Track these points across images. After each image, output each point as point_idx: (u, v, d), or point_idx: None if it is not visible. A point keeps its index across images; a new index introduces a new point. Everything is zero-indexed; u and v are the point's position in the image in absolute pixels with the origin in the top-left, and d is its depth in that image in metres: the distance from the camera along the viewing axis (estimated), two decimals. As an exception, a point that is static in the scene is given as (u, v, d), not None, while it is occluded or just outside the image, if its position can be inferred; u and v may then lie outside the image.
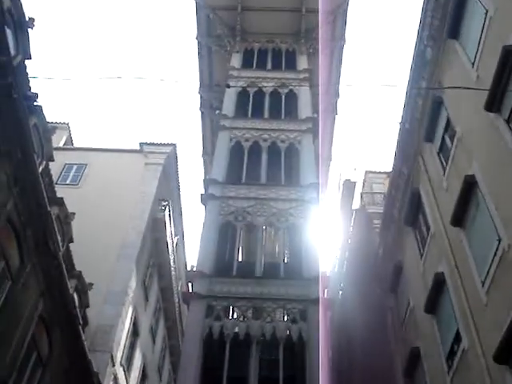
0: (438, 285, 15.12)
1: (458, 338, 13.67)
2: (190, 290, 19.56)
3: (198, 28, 34.89)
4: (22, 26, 12.73)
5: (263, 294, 18.98)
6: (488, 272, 11.81)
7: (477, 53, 13.11)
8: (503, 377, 10.90)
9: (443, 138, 15.67)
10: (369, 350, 21.71)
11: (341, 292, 27.27)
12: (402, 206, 18.89)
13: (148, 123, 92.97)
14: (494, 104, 11.74)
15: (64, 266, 14.65)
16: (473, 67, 13.32)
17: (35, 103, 13.39)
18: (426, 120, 16.77)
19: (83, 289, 17.65)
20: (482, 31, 12.81)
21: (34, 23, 13.20)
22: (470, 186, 13.12)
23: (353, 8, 64.45)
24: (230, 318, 19.57)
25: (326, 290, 20.61)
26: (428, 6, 15.69)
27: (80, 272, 16.94)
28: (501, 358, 10.87)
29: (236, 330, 18.75)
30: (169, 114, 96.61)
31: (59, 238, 14.68)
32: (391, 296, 20.37)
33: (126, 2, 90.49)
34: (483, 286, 12.07)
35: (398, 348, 19.14)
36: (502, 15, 12.05)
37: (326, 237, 20.73)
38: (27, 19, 12.95)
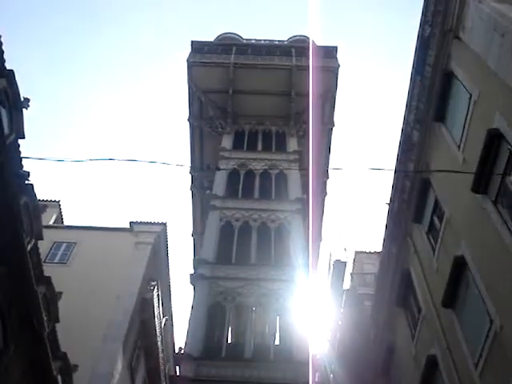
0: (431, 367, 14.84)
1: None
2: (178, 373, 19.11)
3: (189, 110, 35.74)
4: (16, 105, 12.97)
5: (252, 378, 18.56)
6: (481, 354, 11.63)
7: (462, 135, 13.45)
8: None
9: (432, 219, 15.80)
10: None
11: (332, 375, 26.65)
12: (393, 286, 18.79)
13: (139, 203, 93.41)
14: (480, 186, 11.93)
15: (49, 346, 14.28)
16: (459, 150, 13.62)
17: (26, 182, 13.47)
18: (414, 201, 16.96)
19: (68, 371, 17.13)
20: (467, 115, 13.20)
21: (29, 103, 13.48)
22: (459, 267, 13.13)
23: (341, 92, 66.38)
24: None
25: (316, 374, 20.18)
26: (414, 90, 16.21)
27: (65, 353, 16.49)
28: None
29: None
30: (160, 194, 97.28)
31: (45, 317, 14.38)
32: (384, 379, 19.91)
33: (119, 85, 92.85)
34: (476, 368, 11.86)
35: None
36: (485, 99, 12.46)
37: (316, 318, 20.46)
38: (22, 99, 13.21)
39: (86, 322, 21.66)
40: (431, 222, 15.86)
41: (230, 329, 23.31)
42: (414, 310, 17.10)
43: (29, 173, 13.50)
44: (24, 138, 13.35)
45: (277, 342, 23.13)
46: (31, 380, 13.87)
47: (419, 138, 16.49)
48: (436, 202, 15.50)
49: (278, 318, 21.62)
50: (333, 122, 36.06)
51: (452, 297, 13.58)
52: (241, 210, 25.86)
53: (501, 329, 10.84)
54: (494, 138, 11.39)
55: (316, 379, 19.54)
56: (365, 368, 21.27)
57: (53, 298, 15.88)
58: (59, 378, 15.84)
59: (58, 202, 31.39)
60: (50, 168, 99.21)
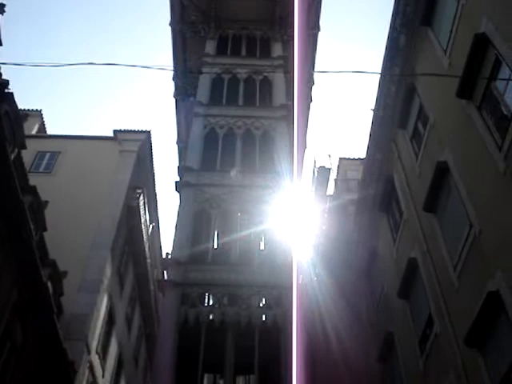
0: (411, 270, 15.33)
1: (430, 323, 13.90)
2: (166, 278, 19.56)
3: (171, 14, 34.56)
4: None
5: (238, 281, 19.05)
6: (460, 257, 12.00)
7: (449, 40, 13.24)
8: (475, 360, 11.12)
9: (416, 125, 15.82)
10: (344, 335, 21.94)
11: (316, 278, 27.46)
12: (376, 192, 19.05)
13: (122, 111, 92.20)
14: (465, 91, 11.87)
15: (37, 254, 14.52)
16: (445, 54, 13.44)
17: (6, 90, 13.20)
18: (398, 107, 16.90)
19: (57, 277, 17.54)
20: (455, 19, 12.93)
21: (5, 9, 12.98)
22: (442, 172, 13.29)
23: (327, -5, 64.39)
24: (206, 304, 19.62)
25: (301, 277, 20.77)
26: (401, -7, 15.78)
27: (54, 260, 16.82)
28: (472, 342, 11.10)
29: (211, 317, 18.82)
30: (143, 102, 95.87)
31: (32, 226, 14.53)
32: (365, 281, 20.60)
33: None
34: (455, 270, 12.27)
35: (373, 333, 19.40)
36: (474, 3, 12.17)
37: (300, 224, 20.82)
38: (-4, 5, 12.72)
39: (74, 230, 21.95)
40: (415, 128, 15.89)
41: (215, 235, 23.65)
42: (396, 214, 17.46)
43: (8, 81, 13.22)
44: (1, 44, 12.96)
45: (262, 247, 23.64)
46: (22, 289, 14.18)
47: (405, 42, 16.20)
48: (421, 108, 15.46)
49: (262, 223, 21.95)
50: (319, 27, 35.16)
51: (433, 201, 13.83)
52: (225, 117, 25.61)
53: (480, 233, 11.13)
54: (481, 43, 11.22)
55: (300, 281, 20.13)
56: (348, 271, 21.92)
57: (39, 206, 15.99)
58: (49, 284, 16.21)
59: (40, 111, 30.92)
60: (30, 77, 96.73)
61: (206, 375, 20.12)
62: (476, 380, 11.10)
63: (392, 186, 17.64)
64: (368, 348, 19.62)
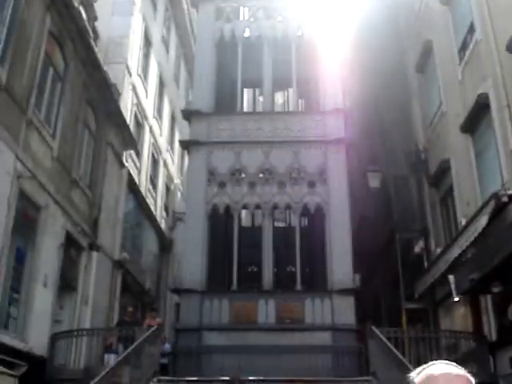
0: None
1: (471, 30, 13.49)
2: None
3: None
4: None
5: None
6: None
7: None
8: (513, 65, 11.01)
9: None
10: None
11: None
12: None
13: None
14: None
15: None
16: None
17: None
18: None
19: (88, 1, 17.19)
20: None
21: None
22: None
23: None
24: (241, 19, 19.27)
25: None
26: None
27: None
28: (513, 47, 10.86)
29: (247, 31, 18.65)
30: None
31: None
32: None
33: None
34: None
35: (411, 43, 19.07)
36: None
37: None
38: None
39: None
40: None
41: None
42: None
43: None
44: None
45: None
46: (55, 15, 13.96)
47: None
48: None
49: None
50: None
51: None
52: None
53: None
54: None
55: None
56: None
57: None
58: (81, 8, 15.97)
59: None
60: None
61: (245, 90, 20.69)
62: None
63: None
64: (405, 58, 19.49)
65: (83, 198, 16.09)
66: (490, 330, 12.88)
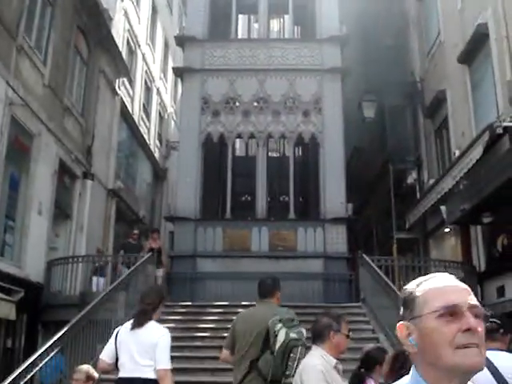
0: None
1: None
2: None
3: None
4: None
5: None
6: None
7: None
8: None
9: None
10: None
11: None
12: None
13: None
14: None
15: None
16: None
17: None
18: None
19: None
20: None
21: None
22: None
23: None
24: None
25: None
26: None
27: None
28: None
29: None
30: None
31: None
32: None
33: None
34: None
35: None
36: None
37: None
38: None
39: None
40: None
41: None
42: None
43: None
44: None
45: None
46: None
47: None
48: None
49: None
50: None
51: None
52: None
53: None
54: None
55: None
56: None
57: None
58: None
59: None
60: None
61: (240, 16, 20.20)
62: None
63: None
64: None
65: (76, 126, 15.97)
66: (479, 260, 13.14)
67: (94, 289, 13.41)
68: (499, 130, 10.68)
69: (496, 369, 3.59)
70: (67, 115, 15.25)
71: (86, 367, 5.92)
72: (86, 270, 13.92)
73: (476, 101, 13.18)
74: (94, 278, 13.87)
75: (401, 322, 1.47)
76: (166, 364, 4.71)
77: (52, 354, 7.57)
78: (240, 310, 9.92)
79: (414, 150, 17.71)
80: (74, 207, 15.71)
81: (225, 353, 5.22)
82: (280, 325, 4.56)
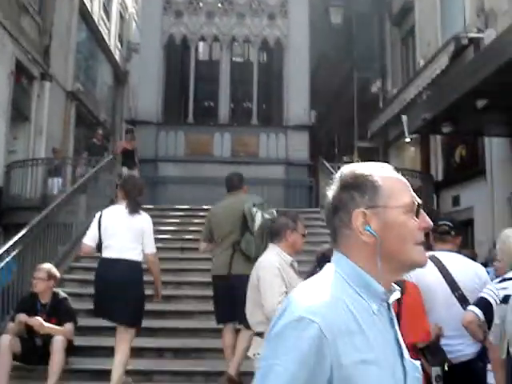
0: None
1: None
2: None
3: None
4: None
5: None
6: None
7: None
8: None
9: None
10: None
11: None
12: None
13: None
14: None
15: None
16: None
17: None
18: None
19: None
20: None
21: None
22: None
23: None
24: None
25: None
26: None
27: None
28: None
29: None
30: None
31: None
32: None
33: None
34: None
35: None
36: None
37: None
38: None
39: None
40: None
41: None
42: None
43: None
44: None
45: None
46: None
47: None
48: None
49: None
50: None
51: None
52: None
53: None
54: None
55: None
56: None
57: None
58: None
59: None
60: None
61: None
62: None
63: None
64: None
65: (33, 25, 15.26)
66: (437, 170, 13.43)
67: (52, 191, 13.29)
68: (465, 41, 10.65)
69: (448, 272, 3.77)
70: (23, 13, 14.53)
71: (47, 266, 5.99)
72: (46, 172, 13.78)
73: (444, 10, 13.03)
74: (50, 180, 13.72)
75: (359, 209, 1.33)
76: (153, 248, 5.35)
77: (13, 253, 7.54)
78: (201, 213, 10.14)
79: (379, 59, 17.58)
80: (33, 109, 15.30)
81: (203, 244, 5.79)
82: (255, 209, 5.17)
